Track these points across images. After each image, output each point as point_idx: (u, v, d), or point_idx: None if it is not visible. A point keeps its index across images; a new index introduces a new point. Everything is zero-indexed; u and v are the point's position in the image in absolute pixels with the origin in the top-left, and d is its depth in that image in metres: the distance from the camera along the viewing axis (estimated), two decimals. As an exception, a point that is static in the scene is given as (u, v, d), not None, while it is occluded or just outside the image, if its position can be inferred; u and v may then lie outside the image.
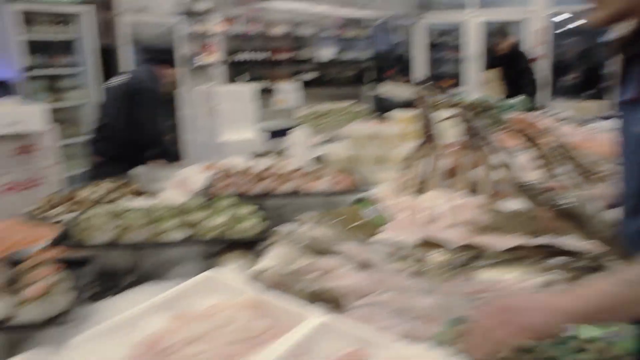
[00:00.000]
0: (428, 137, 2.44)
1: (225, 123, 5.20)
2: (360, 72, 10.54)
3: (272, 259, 1.60)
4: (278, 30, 8.61)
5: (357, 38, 10.37)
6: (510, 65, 6.05)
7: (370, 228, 2.10)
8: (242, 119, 5.37)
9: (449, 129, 2.70)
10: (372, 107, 10.56)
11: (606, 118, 4.35)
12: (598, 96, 8.43)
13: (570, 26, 10.13)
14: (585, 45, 9.84)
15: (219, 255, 1.71)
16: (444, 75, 10.57)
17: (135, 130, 3.77)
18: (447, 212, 2.19)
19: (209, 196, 2.12)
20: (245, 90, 5.50)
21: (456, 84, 9.63)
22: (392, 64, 11.19)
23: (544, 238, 2.02)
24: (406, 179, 2.49)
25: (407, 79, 10.10)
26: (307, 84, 9.07)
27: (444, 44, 11.20)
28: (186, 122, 5.70)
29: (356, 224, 2.08)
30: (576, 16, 9.72)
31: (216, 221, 1.74)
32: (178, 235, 1.71)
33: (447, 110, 2.80)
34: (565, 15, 9.67)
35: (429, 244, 1.90)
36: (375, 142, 2.86)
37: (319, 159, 2.93)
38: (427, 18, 10.49)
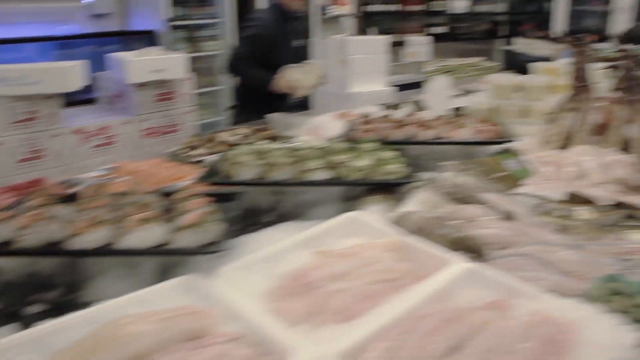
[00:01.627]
0: (580, 89, 2.30)
1: (355, 74, 5.18)
2: (494, 26, 10.09)
3: (416, 203, 1.59)
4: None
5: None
6: None
7: (513, 180, 2.03)
8: (373, 70, 5.32)
9: (603, 81, 2.52)
10: (504, 63, 10.12)
11: None
12: None
13: None
14: None
15: (361, 198, 1.72)
16: (586, 30, 9.86)
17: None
18: (596, 168, 2.06)
19: (350, 140, 2.14)
20: (377, 42, 5.43)
21: (600, 40, 8.96)
22: (529, 17, 10.59)
23: None
24: (551, 133, 2.37)
25: (545, 33, 9.54)
26: (438, 38, 8.83)
27: (588, -4, 10.43)
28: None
29: (498, 175, 2.02)
30: None
31: (360, 163, 1.75)
32: (322, 175, 1.74)
33: (603, 62, 2.61)
34: None
35: (576, 200, 1.80)
36: (520, 93, 2.74)
37: (458, 110, 2.86)
38: (572, -33, 9.78)
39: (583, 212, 1.75)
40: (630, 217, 1.73)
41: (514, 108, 2.65)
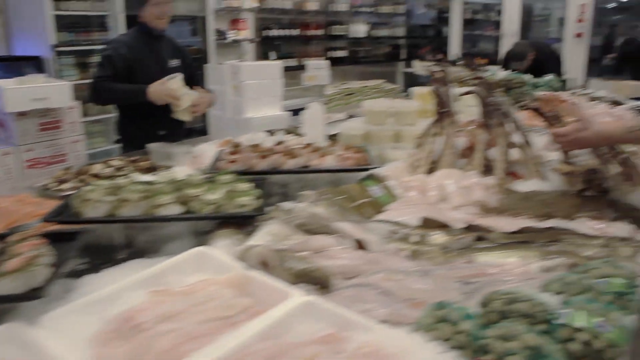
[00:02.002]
0: (443, 115, 2.38)
1: (251, 100, 5.19)
2: (394, 50, 10.40)
3: (264, 236, 1.58)
4: (311, 6, 8.51)
5: (392, 13, 10.20)
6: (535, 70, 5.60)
7: (376, 206, 2.06)
8: (268, 95, 5.35)
9: (468, 106, 2.63)
10: (405, 85, 10.43)
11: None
12: (637, 77, 8.16)
13: (614, 4, 9.77)
14: (628, 25, 9.48)
15: (213, 232, 1.69)
16: (479, 54, 10.35)
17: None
18: (457, 192, 2.13)
19: (214, 171, 2.11)
20: (272, 67, 5.47)
21: (493, 62, 9.39)
22: (427, 41, 10.99)
23: (554, 221, 1.96)
24: (418, 157, 2.43)
25: (443, 56, 9.91)
26: (339, 61, 9.00)
27: (482, 21, 10.95)
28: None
29: (361, 201, 2.04)
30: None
31: (211, 197, 1.72)
32: (173, 210, 1.70)
33: (466, 87, 2.72)
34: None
35: (430, 225, 1.85)
36: (393, 118, 2.80)
37: (334, 136, 2.89)
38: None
39: (437, 237, 1.79)
40: (481, 239, 1.79)
41: (387, 133, 2.70)
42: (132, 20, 5.90)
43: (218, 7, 7.07)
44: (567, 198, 2.15)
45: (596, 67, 9.12)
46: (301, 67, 7.83)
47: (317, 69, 7.11)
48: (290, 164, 2.23)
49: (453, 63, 9.46)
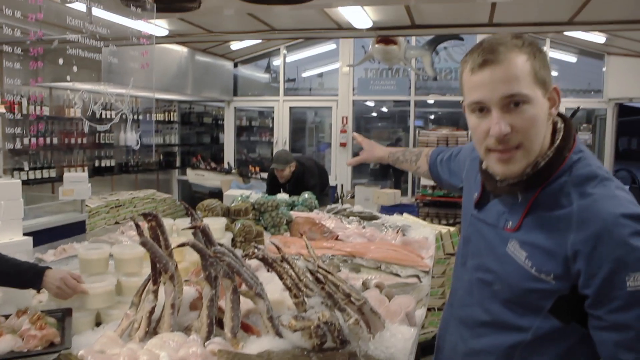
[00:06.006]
0: (158, 270, 2.02)
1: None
2: (168, 157, 10.04)
3: None
4: (73, 112, 7.87)
5: (164, 121, 9.90)
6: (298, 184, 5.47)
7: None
8: (4, 219, 4.64)
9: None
10: (180, 194, 10.09)
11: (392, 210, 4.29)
12: (398, 182, 8.76)
13: (374, 114, 10.53)
14: (388, 131, 10.24)
15: None
16: (255, 160, 10.41)
17: None
18: (169, 369, 1.75)
19: None
20: (8, 186, 4.78)
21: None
22: (201, 148, 10.85)
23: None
24: (133, 319, 2.04)
25: (216, 165, 9.78)
26: (107, 171, 8.41)
27: (258, 127, 11.10)
28: None
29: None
30: (380, 104, 10.13)
31: None
32: None
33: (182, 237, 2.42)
34: (370, 103, 10.04)
35: None
36: (114, 266, 2.38)
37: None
38: (237, 102, 10.34)
39: None
40: None
41: (103, 289, 2.24)
42: None
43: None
44: (300, 361, 1.89)
45: (364, 172, 9.62)
46: (60, 180, 7.08)
47: (76, 181, 6.48)
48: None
49: (227, 172, 9.38)
